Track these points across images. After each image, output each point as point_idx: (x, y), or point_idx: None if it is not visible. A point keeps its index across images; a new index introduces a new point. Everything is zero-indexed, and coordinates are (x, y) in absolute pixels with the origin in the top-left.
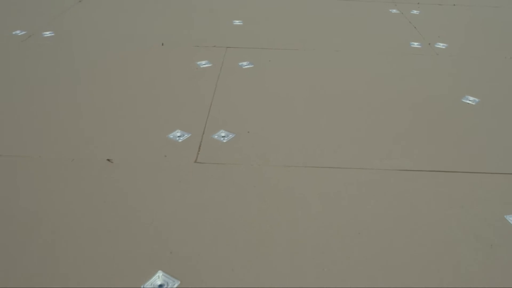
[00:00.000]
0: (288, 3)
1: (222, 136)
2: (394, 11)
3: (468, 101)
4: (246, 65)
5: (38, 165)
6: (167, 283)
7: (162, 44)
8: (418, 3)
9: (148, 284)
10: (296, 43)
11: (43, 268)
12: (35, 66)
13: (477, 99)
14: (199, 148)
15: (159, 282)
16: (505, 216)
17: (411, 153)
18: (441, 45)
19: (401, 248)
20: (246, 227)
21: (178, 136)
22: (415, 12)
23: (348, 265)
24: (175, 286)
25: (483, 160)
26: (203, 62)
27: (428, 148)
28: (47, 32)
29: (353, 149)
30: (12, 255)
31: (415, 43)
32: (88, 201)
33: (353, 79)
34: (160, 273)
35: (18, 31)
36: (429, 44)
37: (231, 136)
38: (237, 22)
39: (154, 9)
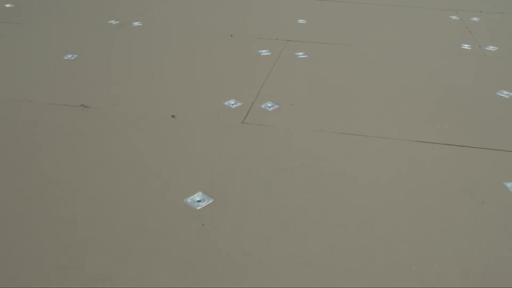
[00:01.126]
0: (354, 10)
1: (269, 106)
2: (453, 17)
3: (502, 95)
4: (301, 55)
5: (121, 117)
6: (204, 199)
7: (231, 35)
8: (480, 12)
9: (189, 199)
10: (352, 40)
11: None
12: (125, 46)
13: (511, 93)
14: (247, 113)
15: (197, 198)
16: (504, 183)
17: (441, 131)
18: (491, 47)
19: (404, 201)
20: (271, 169)
21: (232, 104)
22: (475, 19)
23: (365, 221)
24: (210, 202)
25: (506, 139)
26: (264, 51)
27: (454, 128)
28: (136, 22)
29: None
30: (117, 175)
31: (466, 45)
32: (155, 144)
33: (397, 72)
34: (199, 193)
35: (112, 21)
36: (480, 46)
37: (276, 106)
38: (301, 21)
39: (228, 6)
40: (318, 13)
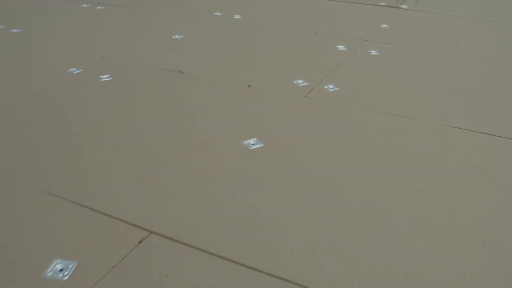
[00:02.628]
0: (441, 21)
1: (330, 88)
2: None
3: None
4: (373, 52)
5: (207, 82)
6: (257, 143)
7: (316, 32)
8: None
9: (245, 141)
10: (428, 45)
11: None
12: (223, 33)
13: None
14: (310, 90)
15: (252, 142)
16: None
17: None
18: None
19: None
20: (314, 130)
21: (300, 83)
22: None
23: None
24: (261, 145)
25: None
26: (341, 46)
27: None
28: (237, 15)
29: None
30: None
31: None
32: (229, 103)
33: (464, 70)
34: (255, 139)
35: (217, 13)
36: None
37: (336, 89)
38: (384, 25)
39: (322, 10)
40: (403, 21)
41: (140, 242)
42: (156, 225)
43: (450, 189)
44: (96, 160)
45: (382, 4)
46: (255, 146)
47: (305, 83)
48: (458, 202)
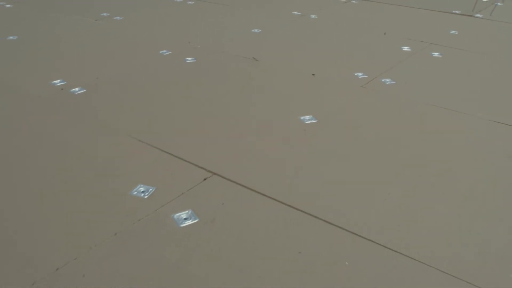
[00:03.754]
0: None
1: (387, 81)
2: None
3: None
4: (436, 55)
5: (275, 68)
6: (311, 119)
7: (384, 33)
8: None
9: (302, 117)
10: (493, 52)
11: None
12: (299, 29)
13: None
14: (368, 82)
15: (307, 118)
16: None
17: None
18: None
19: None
20: (367, 115)
21: (360, 75)
22: None
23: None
24: (315, 121)
25: None
26: (406, 47)
27: None
28: (313, 15)
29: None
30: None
31: None
32: (295, 89)
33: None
34: (311, 115)
35: (295, 12)
36: None
37: (392, 82)
38: (453, 32)
39: (396, 15)
40: (474, 29)
41: (204, 179)
42: (219, 168)
43: (482, 174)
44: (178, 119)
45: (456, 12)
46: (309, 121)
47: (365, 76)
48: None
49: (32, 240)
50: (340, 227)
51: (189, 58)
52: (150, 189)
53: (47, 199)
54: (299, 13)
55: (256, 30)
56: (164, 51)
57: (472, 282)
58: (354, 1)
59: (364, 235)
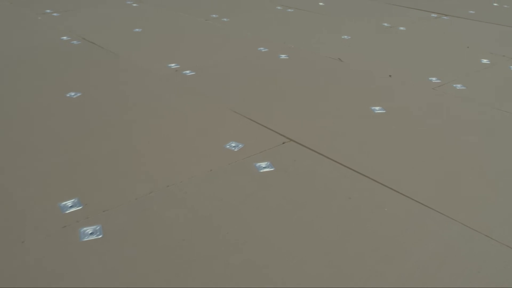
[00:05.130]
0: None
1: (458, 86)
2: None
3: None
4: None
5: (355, 70)
6: (381, 109)
7: (468, 47)
8: None
9: (372, 107)
10: None
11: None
12: (385, 39)
13: None
14: (440, 86)
15: (377, 108)
16: None
17: None
18: None
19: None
20: (433, 116)
21: (434, 80)
22: None
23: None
24: (384, 111)
25: None
26: (485, 60)
27: None
28: (402, 27)
29: None
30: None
31: None
32: (370, 86)
33: None
34: (381, 107)
35: (385, 24)
36: None
37: (463, 88)
38: None
39: (480, 27)
40: None
41: (283, 143)
42: (296, 136)
43: None
44: (268, 97)
45: None
46: (379, 111)
47: (438, 80)
48: None
49: (155, 162)
50: (383, 184)
51: (283, 55)
52: (240, 145)
53: (164, 142)
54: (389, 25)
55: (345, 36)
56: (262, 48)
57: None
58: (444, 17)
59: (403, 192)
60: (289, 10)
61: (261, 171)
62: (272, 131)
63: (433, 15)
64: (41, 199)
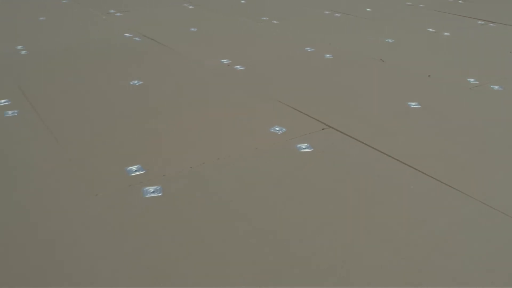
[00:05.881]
0: None
1: (495, 87)
2: None
3: None
4: None
5: (397, 69)
6: (417, 105)
7: (510, 52)
8: None
9: (409, 102)
10: None
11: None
12: (433, 43)
13: None
14: (477, 86)
15: (413, 103)
16: None
17: None
18: None
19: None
20: (465, 113)
21: (472, 81)
22: None
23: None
24: (419, 106)
25: None
26: None
27: None
28: (446, 33)
29: None
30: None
31: None
32: (409, 85)
33: None
34: (416, 102)
35: (430, 29)
36: None
37: (500, 88)
38: None
39: None
40: None
41: (322, 129)
42: (334, 124)
43: None
44: (311, 90)
45: None
46: (415, 106)
47: (476, 82)
48: None
49: (207, 139)
50: (411, 166)
51: (328, 55)
52: (283, 129)
53: (215, 124)
54: (433, 30)
55: (389, 40)
56: (308, 48)
57: None
58: (491, 24)
59: (429, 173)
60: (337, 14)
61: (301, 151)
62: (313, 119)
63: (480, 22)
64: (112, 164)
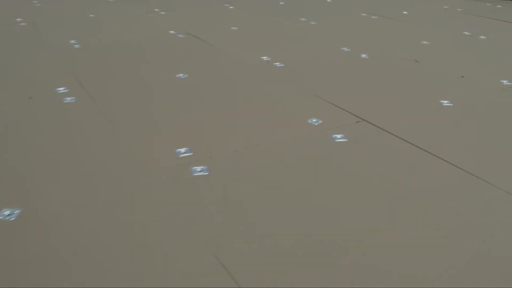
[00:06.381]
0: None
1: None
2: None
3: None
4: None
5: (430, 70)
6: (449, 103)
7: None
8: None
9: (441, 101)
10: None
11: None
12: (466, 45)
13: None
14: (509, 87)
15: (445, 102)
16: None
17: None
18: None
19: None
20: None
21: (505, 82)
22: None
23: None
24: (451, 105)
25: None
26: None
27: None
28: (483, 36)
29: None
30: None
31: None
32: (441, 85)
33: None
34: (448, 100)
35: (466, 32)
36: None
37: None
38: None
39: None
40: None
41: (357, 122)
42: (369, 117)
43: None
44: (347, 85)
45: None
46: (446, 104)
47: (509, 83)
48: None
49: (249, 128)
50: (440, 158)
51: (363, 55)
52: (319, 121)
53: (256, 114)
54: (470, 34)
55: (425, 42)
56: (345, 48)
57: None
58: None
59: (455, 163)
60: (373, 17)
61: (336, 140)
62: (348, 112)
63: None
64: (161, 146)
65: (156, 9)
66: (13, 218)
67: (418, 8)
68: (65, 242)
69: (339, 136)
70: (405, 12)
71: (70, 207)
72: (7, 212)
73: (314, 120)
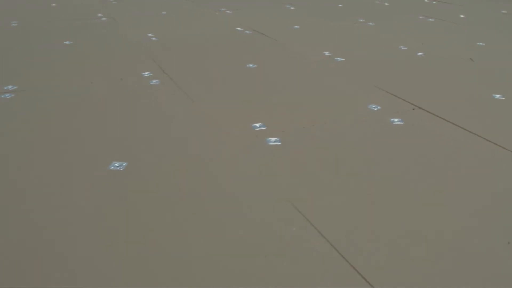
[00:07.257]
0: None
1: None
2: None
3: None
4: None
5: (482, 66)
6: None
7: None
8: None
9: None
10: None
11: None
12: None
13: None
14: None
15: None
16: None
17: None
18: None
19: None
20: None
21: None
22: None
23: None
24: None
25: None
26: None
27: None
28: (480, 42)
29: None
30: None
31: None
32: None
33: None
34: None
35: (480, 43)
36: None
37: None
38: None
39: None
40: None
41: (413, 109)
42: (424, 105)
43: None
44: (404, 78)
45: None
46: (499, 98)
47: None
48: None
49: (315, 109)
50: (490, 141)
51: (420, 53)
52: (378, 107)
53: (319, 100)
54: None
55: (480, 43)
56: (402, 46)
57: None
58: None
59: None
60: (430, 19)
61: (393, 123)
62: (405, 101)
63: None
64: (239, 121)
65: (222, 8)
66: (122, 169)
67: (475, 12)
68: (166, 188)
69: (396, 120)
70: (462, 16)
71: (162, 164)
72: (117, 164)
73: (373, 106)
